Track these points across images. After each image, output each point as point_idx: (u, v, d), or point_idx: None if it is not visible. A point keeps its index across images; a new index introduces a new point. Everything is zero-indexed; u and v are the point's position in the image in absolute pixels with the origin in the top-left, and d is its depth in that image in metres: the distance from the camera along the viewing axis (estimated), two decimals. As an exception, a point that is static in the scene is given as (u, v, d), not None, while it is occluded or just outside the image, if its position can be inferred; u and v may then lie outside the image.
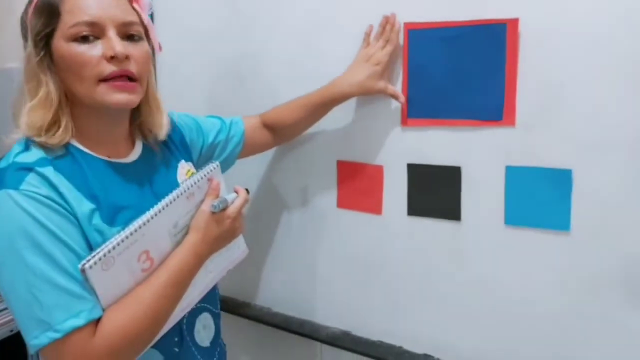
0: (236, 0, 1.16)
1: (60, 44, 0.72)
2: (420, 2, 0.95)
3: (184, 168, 0.91)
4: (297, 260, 1.21)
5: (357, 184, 1.09)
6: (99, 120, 0.77)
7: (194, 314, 0.88)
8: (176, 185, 0.86)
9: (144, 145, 0.86)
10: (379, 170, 1.06)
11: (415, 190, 1.03)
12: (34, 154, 0.71)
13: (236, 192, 0.88)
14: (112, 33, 0.72)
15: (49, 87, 0.72)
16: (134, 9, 0.76)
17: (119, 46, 0.71)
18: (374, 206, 1.08)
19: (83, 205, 0.70)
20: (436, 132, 0.98)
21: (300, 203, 1.17)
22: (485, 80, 0.92)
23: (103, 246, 0.69)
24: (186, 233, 0.80)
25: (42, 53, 0.71)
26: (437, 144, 0.99)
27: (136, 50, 0.75)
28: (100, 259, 0.67)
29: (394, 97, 0.98)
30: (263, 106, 1.09)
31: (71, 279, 0.66)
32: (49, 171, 0.69)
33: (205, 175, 0.83)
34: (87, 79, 0.72)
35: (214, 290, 0.93)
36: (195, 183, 0.80)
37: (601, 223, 0.87)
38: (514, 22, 0.87)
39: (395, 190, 1.05)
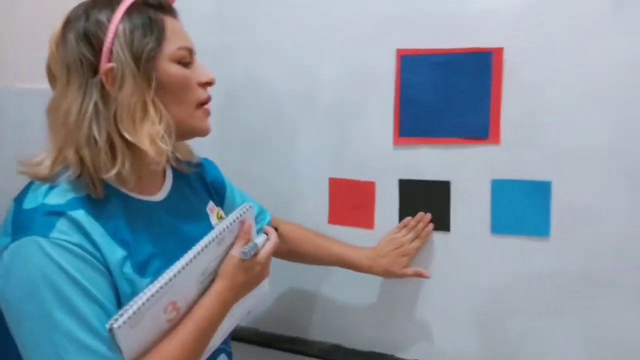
0: (229, 25, 1.18)
1: (167, 65, 0.71)
2: (412, 30, 1.03)
3: (213, 211, 0.89)
4: (287, 279, 1.22)
5: (349, 200, 1.14)
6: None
7: (212, 356, 0.83)
8: (206, 224, 0.85)
9: (174, 178, 0.83)
10: (371, 186, 1.11)
11: (407, 204, 1.09)
12: (64, 193, 0.66)
13: (266, 233, 0.84)
14: (198, 61, 0.75)
15: (159, 108, 0.69)
16: None
17: (211, 73, 0.75)
18: (366, 221, 1.13)
19: (115, 253, 0.67)
20: (427, 150, 1.06)
21: (290, 220, 1.19)
22: (473, 102, 1.01)
23: (132, 302, 0.65)
24: (213, 278, 0.76)
25: (144, 73, 0.68)
26: (427, 161, 1.06)
27: None
28: (129, 317, 0.64)
29: (417, 276, 1.05)
30: (256, 126, 1.12)
31: (98, 338, 0.62)
32: (80, 215, 0.65)
33: (237, 218, 0.78)
34: (188, 102, 0.73)
35: None
36: (227, 227, 0.76)
37: (578, 228, 0.98)
38: (499, 50, 0.98)
39: (387, 205, 1.11)
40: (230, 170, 1.19)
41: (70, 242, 0.63)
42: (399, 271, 1.05)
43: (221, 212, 0.90)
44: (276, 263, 1.18)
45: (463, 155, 1.04)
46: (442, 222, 1.07)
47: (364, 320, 1.17)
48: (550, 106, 0.96)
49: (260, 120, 1.16)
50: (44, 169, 0.68)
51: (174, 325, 0.71)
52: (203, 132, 0.77)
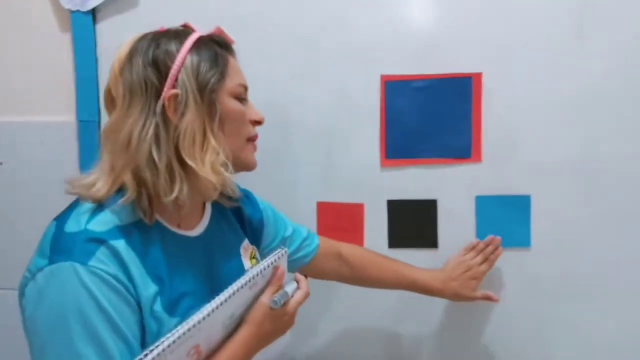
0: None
1: (227, 99, 0.73)
2: (395, 57, 1.08)
3: (247, 250, 0.87)
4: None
5: (337, 222, 1.15)
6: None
7: None
8: (237, 263, 0.84)
9: (213, 211, 0.83)
10: (359, 208, 1.14)
11: (395, 224, 1.13)
12: (108, 220, 0.66)
13: (297, 281, 0.81)
14: (249, 100, 0.78)
15: (219, 138, 0.70)
16: None
17: (262, 113, 0.79)
18: (356, 243, 1.15)
19: (148, 288, 0.66)
20: (413, 170, 1.11)
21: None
22: (455, 124, 1.08)
23: (158, 343, 0.62)
24: (239, 323, 0.74)
25: (207, 103, 0.70)
26: (414, 181, 1.11)
27: None
28: (153, 358, 0.61)
29: (486, 299, 1.05)
30: None
31: None
32: (120, 245, 0.65)
33: (272, 263, 0.76)
34: (241, 136, 0.76)
35: None
36: (260, 272, 0.73)
37: (556, 238, 1.06)
38: (478, 75, 1.05)
39: (376, 225, 1.13)
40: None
41: (107, 273, 0.62)
42: (470, 294, 1.04)
43: (255, 252, 0.88)
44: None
45: (448, 174, 1.09)
46: (430, 240, 1.12)
47: (349, 338, 1.18)
48: (526, 126, 1.05)
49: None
50: (100, 190, 0.67)
51: None
52: (251, 166, 0.80)
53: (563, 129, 1.03)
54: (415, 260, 1.12)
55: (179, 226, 0.75)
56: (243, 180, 1.16)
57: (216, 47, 0.73)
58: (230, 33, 1.14)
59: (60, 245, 0.64)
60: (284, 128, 1.14)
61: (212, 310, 0.67)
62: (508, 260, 1.08)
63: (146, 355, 0.60)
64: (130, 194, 0.67)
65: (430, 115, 1.08)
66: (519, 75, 1.04)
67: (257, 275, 0.73)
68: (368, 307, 1.16)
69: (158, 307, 0.66)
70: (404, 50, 1.07)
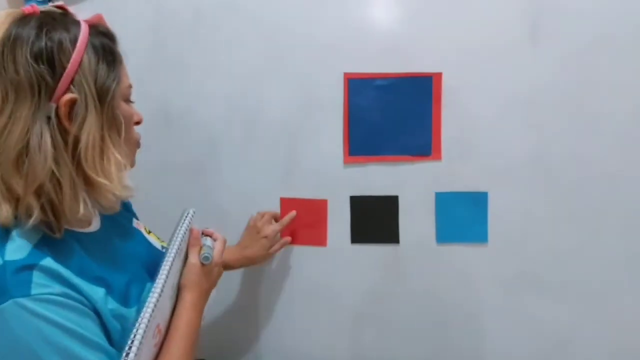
0: (172, 45, 1.15)
1: (120, 102, 0.68)
2: (359, 56, 1.09)
3: (139, 225, 0.87)
4: (236, 301, 1.21)
5: (301, 219, 1.16)
6: None
7: None
8: (142, 240, 0.84)
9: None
10: (323, 204, 1.15)
11: (358, 219, 1.15)
12: (21, 244, 0.60)
13: (209, 235, 0.87)
14: None
15: (119, 145, 0.66)
16: None
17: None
18: (319, 238, 1.16)
19: (97, 292, 0.63)
20: (375, 167, 1.12)
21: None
22: (416, 123, 1.10)
23: (132, 336, 0.63)
24: (178, 290, 0.77)
25: (107, 109, 0.64)
26: (376, 177, 1.13)
27: None
28: (138, 349, 0.62)
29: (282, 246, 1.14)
30: (195, 147, 1.11)
31: None
32: (50, 263, 0.59)
33: (187, 226, 0.80)
34: (132, 141, 0.73)
35: None
36: (182, 238, 0.77)
37: (511, 233, 1.10)
38: (439, 75, 1.08)
39: (339, 221, 1.15)
40: (177, 194, 1.17)
41: (54, 294, 0.58)
42: (264, 252, 1.10)
43: (147, 227, 0.89)
44: (235, 290, 1.18)
45: (408, 171, 1.11)
46: (391, 235, 1.14)
47: (312, 336, 1.19)
48: (483, 125, 1.08)
49: (207, 144, 1.14)
50: (5, 217, 0.60)
51: (159, 348, 0.70)
52: (132, 167, 0.75)
53: (519, 128, 1.07)
54: (377, 254, 1.14)
55: (79, 227, 0.69)
56: (200, 178, 1.17)
57: (109, 42, 0.66)
58: (193, 27, 1.14)
59: None
60: (248, 124, 1.14)
61: (162, 288, 0.69)
62: (466, 255, 1.11)
63: (130, 349, 0.61)
64: (36, 215, 0.60)
65: (392, 113, 1.10)
66: (478, 76, 1.07)
67: (182, 242, 0.77)
68: (334, 304, 1.17)
69: (113, 304, 0.65)
70: (367, 48, 1.09)
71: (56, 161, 0.60)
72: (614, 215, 1.06)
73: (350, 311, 1.17)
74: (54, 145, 0.60)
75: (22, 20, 0.61)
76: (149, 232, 0.88)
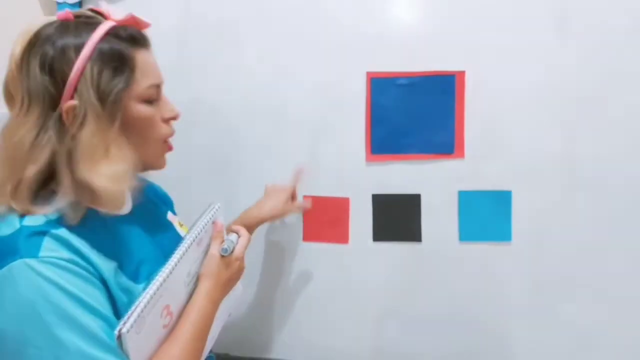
0: (197, 45, 1.18)
1: (133, 105, 0.69)
2: (381, 55, 1.10)
3: (173, 219, 0.89)
4: (259, 298, 1.23)
5: (323, 216, 1.17)
6: None
7: None
8: (173, 231, 0.86)
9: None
10: (345, 202, 1.16)
11: (380, 217, 1.15)
12: (39, 216, 0.64)
13: (235, 232, 0.88)
14: (164, 94, 0.74)
15: (122, 148, 0.67)
16: None
17: (176, 108, 0.76)
18: (341, 236, 1.17)
19: (107, 264, 0.66)
20: (397, 166, 1.13)
21: (264, 239, 1.21)
22: (438, 121, 1.10)
23: (134, 307, 0.65)
24: (197, 280, 0.78)
25: (109, 113, 0.66)
26: (398, 176, 1.13)
27: None
28: (135, 320, 0.63)
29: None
30: (219, 145, 1.13)
31: (107, 350, 0.61)
32: (64, 232, 0.63)
33: (211, 218, 0.82)
34: (154, 140, 0.74)
35: None
36: (203, 228, 0.79)
37: (535, 232, 1.09)
38: (462, 74, 1.07)
39: (361, 219, 1.15)
40: (200, 191, 1.19)
41: (61, 259, 0.61)
42: (289, 208, 1.10)
43: (181, 221, 0.91)
44: (258, 285, 1.20)
45: (431, 169, 1.11)
46: (413, 233, 1.14)
47: (335, 333, 1.20)
48: (507, 123, 1.07)
49: (231, 141, 1.16)
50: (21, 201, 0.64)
51: (169, 330, 0.71)
52: (160, 168, 0.78)
53: (544, 126, 1.06)
54: (399, 253, 1.15)
55: (112, 209, 0.71)
56: (224, 176, 1.18)
57: (122, 47, 0.67)
58: (217, 28, 1.16)
59: (2, 249, 0.61)
60: (271, 123, 1.15)
61: (173, 268, 0.70)
62: (489, 254, 1.11)
63: (127, 319, 0.63)
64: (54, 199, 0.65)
65: (415, 112, 1.10)
66: (502, 74, 1.06)
67: (202, 231, 0.78)
68: (353, 300, 1.18)
69: (122, 278, 0.67)
70: (389, 47, 1.09)
71: (57, 158, 0.64)
72: (641, 214, 1.05)
73: (372, 309, 1.18)
74: (55, 143, 0.64)
75: (44, 28, 0.66)
76: (182, 226, 0.90)
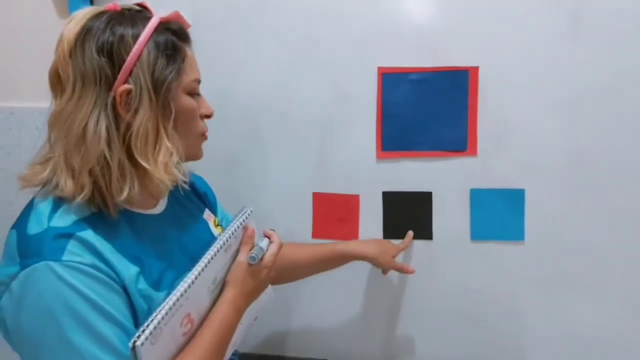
0: (207, 42, 1.17)
1: (180, 96, 0.71)
2: (393, 50, 1.08)
3: (210, 218, 0.88)
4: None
5: (333, 213, 1.16)
6: None
7: None
8: (206, 231, 0.85)
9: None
10: (355, 199, 1.15)
11: (390, 215, 1.14)
12: (68, 215, 0.64)
13: (268, 236, 0.84)
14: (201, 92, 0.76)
15: (172, 136, 0.69)
16: None
17: (212, 106, 0.79)
18: (351, 233, 1.16)
19: (128, 270, 0.66)
20: (408, 163, 1.11)
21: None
22: (451, 117, 1.08)
23: (151, 318, 0.63)
24: (222, 286, 0.77)
25: (161, 101, 0.67)
26: (409, 173, 1.11)
27: None
28: (150, 333, 0.62)
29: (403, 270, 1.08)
30: (228, 141, 1.13)
31: (120, 358, 0.61)
32: (89, 235, 0.63)
33: (241, 224, 0.79)
34: (195, 133, 0.75)
35: None
36: (232, 234, 0.77)
37: (549, 232, 1.07)
38: (475, 69, 1.05)
39: (371, 216, 1.14)
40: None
41: (84, 264, 0.61)
42: (390, 261, 1.06)
43: (217, 220, 0.90)
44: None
45: (443, 167, 1.10)
46: (425, 231, 1.12)
47: (346, 332, 1.19)
48: (521, 120, 1.05)
49: (240, 137, 1.16)
50: (64, 191, 0.65)
51: (189, 338, 0.70)
52: (198, 159, 0.79)
53: (558, 124, 1.04)
54: (409, 250, 1.13)
55: (140, 207, 0.73)
56: (235, 172, 1.18)
57: (174, 38, 0.70)
58: (226, 22, 1.15)
59: (28, 248, 0.62)
60: (281, 119, 1.14)
61: (196, 277, 0.69)
62: (501, 252, 1.09)
63: (143, 331, 0.62)
64: (85, 193, 0.65)
65: (427, 108, 1.09)
66: (515, 70, 1.04)
67: (230, 237, 0.76)
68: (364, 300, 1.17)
69: (143, 285, 0.67)
70: (401, 42, 1.07)
71: (108, 145, 0.65)
72: (658, 214, 1.02)
73: (382, 307, 1.17)
74: (108, 131, 0.65)
75: (97, 16, 0.67)
76: (217, 225, 0.89)
